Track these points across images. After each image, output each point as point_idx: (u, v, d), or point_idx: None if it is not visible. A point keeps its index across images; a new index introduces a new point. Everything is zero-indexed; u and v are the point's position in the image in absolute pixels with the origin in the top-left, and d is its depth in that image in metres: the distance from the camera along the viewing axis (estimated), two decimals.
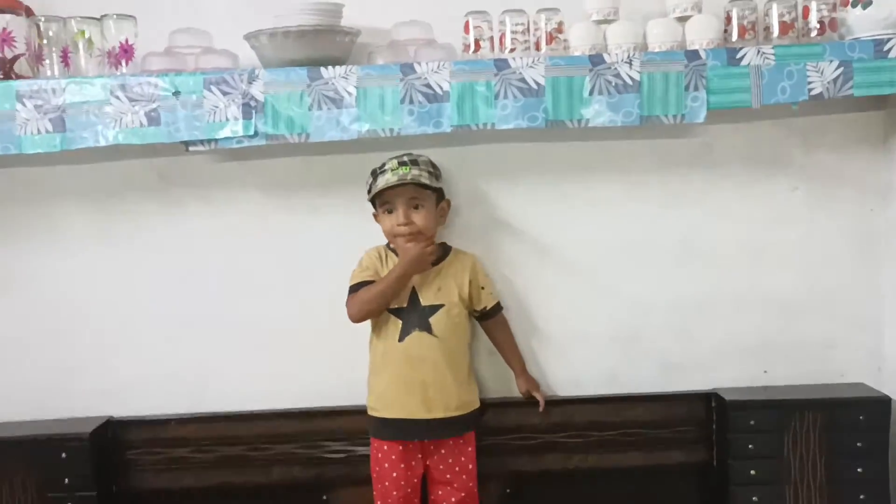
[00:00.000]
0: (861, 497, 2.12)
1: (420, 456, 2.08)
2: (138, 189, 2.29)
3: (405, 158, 2.07)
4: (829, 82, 2.01)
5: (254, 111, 2.04)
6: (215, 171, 2.29)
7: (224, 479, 2.25)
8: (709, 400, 2.24)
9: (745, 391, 2.23)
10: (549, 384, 2.29)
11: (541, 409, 2.20)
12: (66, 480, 2.13)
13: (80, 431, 2.15)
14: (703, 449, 2.24)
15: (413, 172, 2.03)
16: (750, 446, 2.14)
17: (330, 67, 2.05)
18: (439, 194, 2.13)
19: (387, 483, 2.06)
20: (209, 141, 2.07)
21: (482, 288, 2.14)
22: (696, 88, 2.03)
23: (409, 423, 2.03)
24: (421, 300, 2.07)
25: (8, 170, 2.26)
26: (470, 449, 2.10)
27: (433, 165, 2.10)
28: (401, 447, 2.06)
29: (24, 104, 2.04)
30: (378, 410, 2.07)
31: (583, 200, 2.28)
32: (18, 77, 2.10)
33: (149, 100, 2.04)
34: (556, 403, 2.25)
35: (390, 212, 2.08)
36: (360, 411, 2.22)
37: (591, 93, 2.03)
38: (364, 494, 2.24)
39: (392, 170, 2.04)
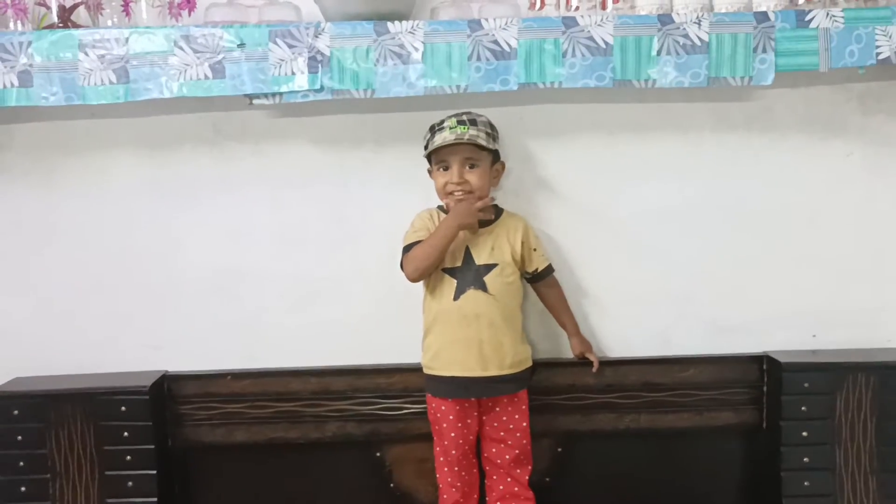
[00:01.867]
0: None
1: (476, 413, 2.10)
2: (192, 142, 2.27)
3: (464, 117, 2.06)
4: None
5: (320, 65, 2.03)
6: (270, 127, 2.27)
7: (278, 435, 2.26)
8: (761, 362, 2.25)
9: (795, 354, 2.25)
10: (600, 345, 2.30)
11: (594, 369, 2.22)
12: (125, 434, 2.14)
13: (140, 385, 2.14)
14: (754, 411, 2.26)
15: (471, 132, 2.02)
16: (803, 408, 2.16)
17: (396, 22, 2.02)
18: (495, 156, 2.13)
19: (446, 442, 2.08)
20: (274, 95, 2.05)
21: (534, 250, 2.15)
22: (764, 50, 2.03)
23: (466, 381, 2.05)
24: (475, 259, 2.07)
25: (59, 122, 2.23)
26: (524, 407, 2.12)
27: (491, 126, 2.09)
28: (458, 405, 2.07)
29: (86, 54, 2.01)
30: (434, 369, 2.09)
31: (638, 162, 2.28)
32: (76, 26, 2.07)
33: (213, 51, 2.02)
34: (608, 364, 2.26)
35: (445, 169, 2.07)
36: (413, 369, 2.24)
37: (659, 53, 2.02)
38: (416, 451, 2.28)
39: (451, 128, 2.03)
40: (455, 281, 2.07)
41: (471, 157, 2.06)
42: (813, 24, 2.02)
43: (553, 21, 2.02)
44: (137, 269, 2.30)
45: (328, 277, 2.31)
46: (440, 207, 2.15)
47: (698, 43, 2.02)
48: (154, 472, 2.15)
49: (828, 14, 2.01)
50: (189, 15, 2.07)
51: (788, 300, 2.31)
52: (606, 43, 2.02)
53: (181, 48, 2.01)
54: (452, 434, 2.08)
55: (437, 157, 2.09)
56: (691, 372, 2.26)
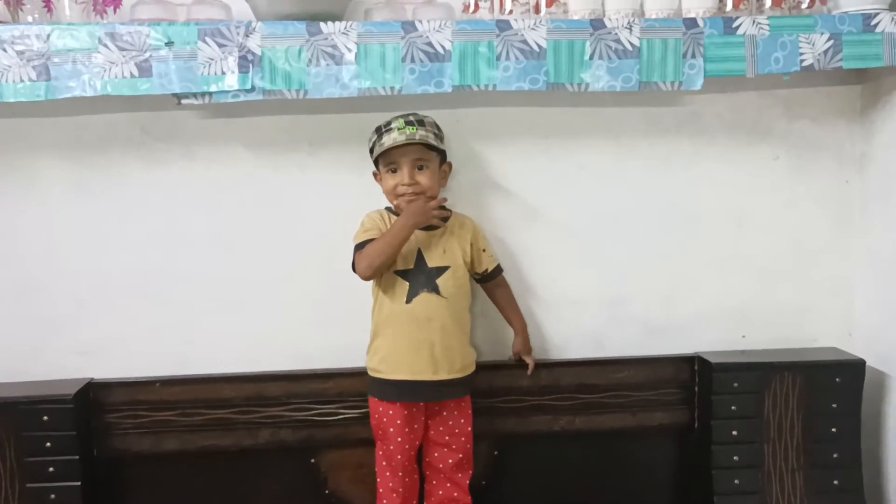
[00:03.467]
0: (835, 455, 2.21)
1: (422, 418, 2.08)
2: (121, 143, 2.21)
3: (411, 118, 2.04)
4: (819, 54, 2.07)
5: (251, 65, 1.99)
6: (200, 128, 2.23)
7: (210, 443, 2.21)
8: (692, 362, 2.29)
9: (726, 354, 2.29)
10: (536, 346, 2.31)
11: (529, 372, 2.23)
12: (48, 444, 2.06)
13: (63, 393, 2.07)
14: (686, 410, 2.30)
15: (420, 132, 2.01)
16: (732, 407, 2.20)
17: (329, 23, 2.00)
18: (442, 156, 2.12)
19: (391, 447, 2.05)
20: (203, 94, 2.00)
21: (483, 250, 2.15)
22: (693, 56, 2.06)
23: (416, 385, 2.02)
24: (427, 262, 2.05)
25: None
26: (469, 411, 2.11)
27: (437, 127, 2.08)
28: (405, 410, 2.05)
29: (4, 50, 1.94)
30: (382, 372, 2.06)
31: (573, 165, 2.30)
32: None
33: (139, 50, 1.96)
34: (544, 366, 2.27)
35: (394, 171, 2.05)
36: (348, 373, 2.23)
37: (591, 57, 2.04)
38: (352, 456, 2.26)
39: (399, 129, 2.01)
40: (407, 283, 2.05)
41: (420, 157, 2.05)
42: (740, 31, 2.06)
43: (487, 24, 2.03)
44: (62, 273, 2.23)
45: (261, 281, 2.27)
46: (388, 209, 2.13)
47: (630, 48, 2.04)
48: (78, 483, 2.07)
49: (754, 21, 2.06)
50: (115, 12, 2.02)
51: (718, 301, 2.36)
52: (540, 47, 2.03)
53: (106, 46, 1.95)
54: (399, 439, 2.05)
55: (385, 160, 2.06)
56: (625, 373, 2.28)
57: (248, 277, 2.26)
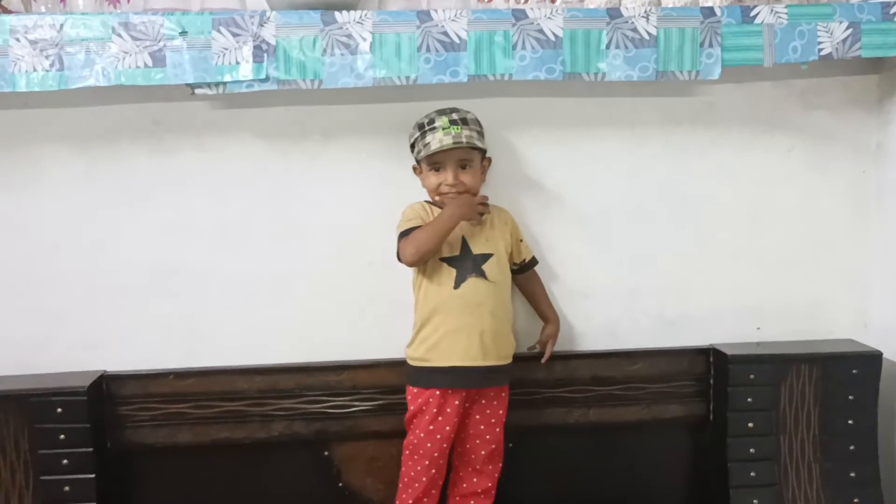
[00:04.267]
0: (851, 448, 2.19)
1: (462, 409, 2.05)
2: (132, 134, 2.19)
3: (455, 116, 2.03)
4: (838, 43, 2.05)
5: (265, 55, 1.97)
6: (212, 119, 2.20)
7: (223, 435, 2.20)
8: (707, 355, 2.28)
9: (741, 346, 2.27)
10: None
11: (543, 360, 2.22)
12: (62, 437, 2.05)
13: (77, 385, 2.06)
14: (702, 403, 2.29)
15: (465, 133, 1.99)
16: (748, 399, 2.19)
17: (344, 12, 1.99)
18: (483, 152, 2.11)
19: (427, 436, 2.02)
20: (217, 84, 1.99)
21: (520, 241, 2.16)
22: (710, 45, 2.05)
23: (466, 371, 2.01)
24: (472, 249, 2.05)
25: None
26: (506, 401, 2.11)
27: (479, 123, 2.07)
28: (450, 398, 2.02)
29: (17, 40, 1.92)
30: (430, 360, 2.03)
31: (587, 156, 2.28)
32: (7, 11, 1.98)
33: (153, 39, 1.95)
34: (558, 358, 2.26)
35: (437, 170, 2.05)
36: (362, 366, 2.23)
37: (608, 46, 2.03)
38: (365, 449, 2.25)
39: (444, 128, 1.99)
40: (454, 270, 2.04)
41: (465, 158, 2.04)
42: (758, 20, 2.05)
43: (503, 13, 2.01)
44: (73, 265, 2.21)
45: (272, 274, 2.25)
46: (428, 202, 2.12)
47: (646, 37, 2.03)
48: (92, 475, 2.06)
49: (772, 10, 2.04)
50: (128, 1, 2.00)
51: (733, 293, 2.34)
52: (556, 36, 2.01)
53: (119, 35, 1.94)
54: (439, 428, 2.02)
55: (429, 159, 2.05)
56: (640, 365, 2.27)
57: (258, 270, 2.25)
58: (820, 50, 2.06)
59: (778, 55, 2.05)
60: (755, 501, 2.18)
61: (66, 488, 2.06)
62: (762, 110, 2.30)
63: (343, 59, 1.99)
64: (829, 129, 2.31)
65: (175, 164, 2.21)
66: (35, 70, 1.94)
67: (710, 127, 2.29)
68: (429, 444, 2.03)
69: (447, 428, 2.02)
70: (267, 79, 1.99)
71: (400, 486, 2.09)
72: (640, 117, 2.27)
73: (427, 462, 2.03)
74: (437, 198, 2.08)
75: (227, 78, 1.98)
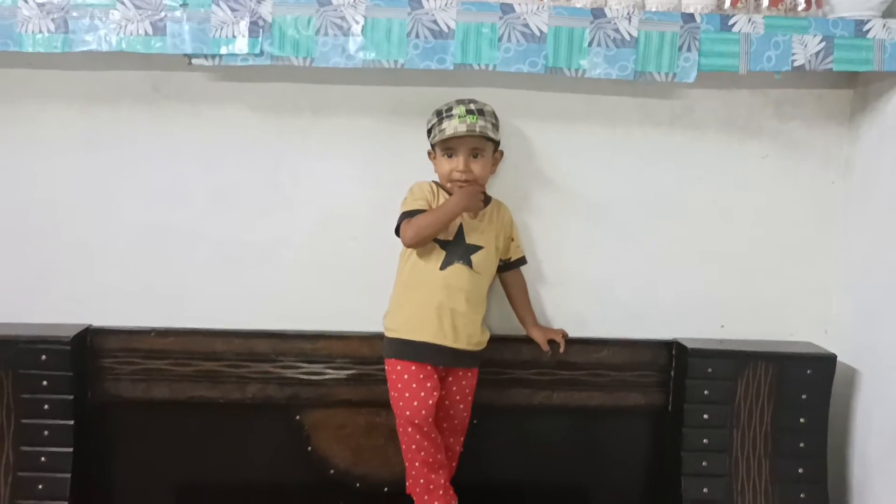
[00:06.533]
0: (801, 445, 2.28)
1: (439, 378, 2.14)
2: (131, 99, 2.29)
3: (472, 106, 2.12)
4: (811, 55, 2.13)
5: (261, 30, 2.06)
6: (209, 89, 2.30)
7: (199, 393, 2.29)
8: (670, 347, 2.36)
9: (703, 342, 2.36)
10: (517, 324, 2.38)
11: (562, 349, 2.31)
12: (45, 383, 2.14)
13: (62, 335, 2.15)
14: (662, 393, 2.37)
15: (480, 123, 2.08)
16: (705, 392, 2.28)
17: None
18: (496, 144, 2.20)
19: (416, 403, 2.09)
20: (213, 56, 2.08)
21: (512, 240, 2.25)
22: (688, 49, 2.13)
23: (436, 348, 2.10)
24: (466, 238, 2.14)
25: None
26: (474, 381, 2.20)
27: (495, 116, 2.16)
28: (424, 370, 2.11)
29: (26, 1, 2.02)
30: (403, 332, 2.12)
31: (566, 150, 2.36)
32: None
33: (155, 9, 2.04)
34: (525, 341, 2.34)
35: (450, 156, 2.13)
36: (336, 336, 2.32)
37: (590, 44, 2.11)
38: (335, 417, 2.35)
39: (460, 116, 2.08)
40: (444, 253, 2.13)
41: (477, 147, 2.13)
42: (735, 28, 2.13)
43: (491, 6, 2.10)
44: (66, 222, 2.31)
45: (258, 242, 2.35)
46: (436, 182, 2.20)
47: (627, 38, 2.11)
48: (71, 422, 2.16)
49: (750, 20, 2.13)
50: None
51: (700, 291, 2.43)
52: (541, 31, 2.09)
53: (123, 3, 2.03)
54: (422, 394, 2.09)
55: (443, 144, 2.14)
56: (605, 353, 2.36)
57: (245, 237, 2.34)
58: (793, 61, 2.14)
59: (753, 63, 2.14)
60: (705, 490, 2.27)
61: (46, 432, 2.16)
62: (739, 117, 2.38)
63: (335, 39, 2.08)
64: (802, 140, 2.40)
65: (171, 131, 2.31)
66: (41, 31, 2.03)
67: (687, 129, 2.38)
68: (423, 412, 2.09)
69: (424, 395, 2.09)
70: (261, 54, 2.07)
71: (407, 463, 2.15)
72: (620, 116, 2.36)
73: (426, 429, 2.10)
74: (448, 185, 2.16)
75: (224, 51, 2.07)
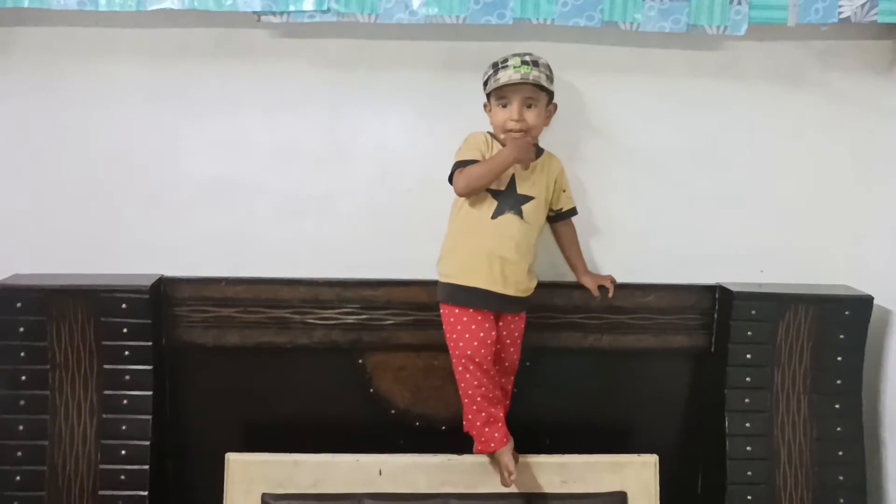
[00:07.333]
0: (838, 382, 2.40)
1: (489, 324, 2.23)
2: (194, 56, 2.35)
3: (527, 58, 2.16)
4: (857, 7, 2.20)
5: None
6: (269, 46, 2.36)
7: (267, 339, 2.39)
8: (714, 291, 2.47)
9: (745, 285, 2.46)
10: (567, 271, 2.48)
11: (610, 294, 2.41)
12: (125, 330, 2.25)
13: (140, 284, 2.26)
14: (705, 335, 2.47)
15: (534, 73, 2.13)
16: (749, 333, 2.39)
17: None
18: (550, 96, 2.25)
19: (475, 343, 2.18)
20: (281, 13, 2.14)
21: (563, 191, 2.33)
22: (738, 3, 2.20)
23: (487, 294, 2.19)
24: (517, 188, 2.21)
25: (63, 28, 2.30)
26: (522, 325, 2.29)
27: (550, 69, 2.20)
28: (479, 314, 2.20)
29: None
30: (457, 278, 2.20)
31: (615, 102, 2.43)
32: None
33: None
34: (575, 287, 2.44)
35: (504, 106, 2.19)
36: (396, 283, 2.41)
37: None
38: (395, 360, 2.46)
39: (514, 67, 2.13)
40: (496, 202, 2.20)
41: (531, 96, 2.18)
42: None
43: None
44: (135, 175, 2.40)
45: (318, 194, 2.44)
46: (491, 134, 2.26)
47: None
48: (151, 367, 2.27)
49: None
50: None
51: (741, 237, 2.51)
52: None
53: None
54: (481, 334, 2.18)
55: (497, 94, 2.19)
56: (651, 298, 2.46)
57: (305, 189, 2.43)
58: (840, 13, 2.21)
59: (801, 15, 2.21)
60: (747, 425, 2.40)
61: (127, 377, 2.27)
62: (782, 67, 2.45)
63: None
64: (843, 90, 2.46)
65: (232, 87, 2.38)
66: None
67: (733, 80, 2.44)
68: (482, 351, 2.18)
69: (483, 335, 2.19)
70: (328, 10, 2.14)
71: (466, 401, 2.23)
72: (668, 68, 2.43)
73: (485, 367, 2.19)
74: (501, 135, 2.22)
75: (292, 8, 2.13)
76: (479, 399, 2.21)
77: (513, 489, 2.26)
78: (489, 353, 2.21)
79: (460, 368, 2.22)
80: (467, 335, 2.20)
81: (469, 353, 2.19)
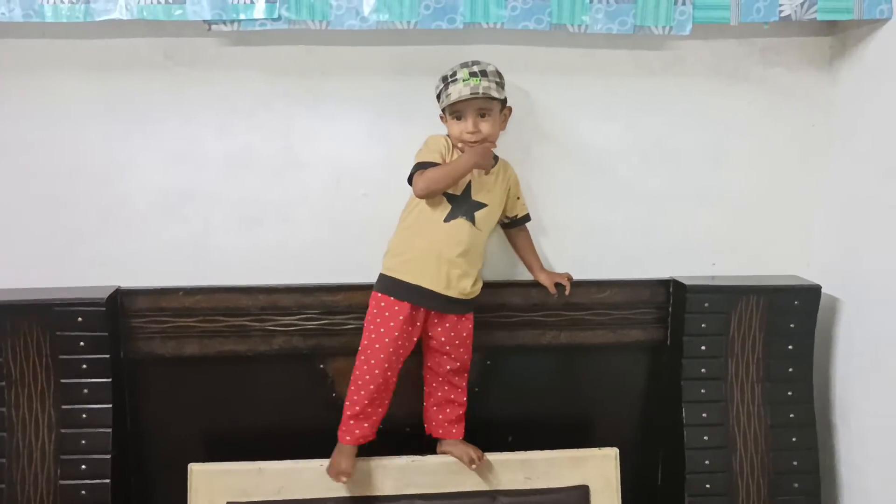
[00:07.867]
0: (790, 370, 2.47)
1: (420, 323, 2.25)
2: (144, 67, 2.34)
3: (475, 69, 2.18)
4: (797, 6, 2.27)
5: None
6: (220, 55, 2.36)
7: (227, 348, 2.39)
8: (668, 286, 2.52)
9: (697, 279, 2.52)
10: (524, 269, 2.51)
11: (567, 292, 2.44)
12: (82, 343, 2.23)
13: (97, 297, 2.24)
14: (660, 329, 2.53)
15: (483, 84, 2.15)
16: (702, 325, 2.45)
17: None
18: (504, 102, 2.27)
19: (386, 340, 2.20)
20: (232, 22, 2.14)
21: (517, 198, 2.37)
22: (683, 3, 2.25)
23: (429, 293, 2.21)
24: (472, 194, 2.24)
25: (8, 41, 2.28)
26: (470, 325, 2.31)
27: (499, 75, 2.22)
28: (410, 310, 2.21)
29: None
30: (400, 273, 2.22)
31: (564, 103, 2.47)
32: None
33: None
34: (533, 286, 2.48)
35: (459, 119, 2.21)
36: (356, 288, 2.41)
37: (592, 0, 2.22)
38: None
39: (464, 80, 2.15)
40: (450, 206, 2.22)
41: (483, 107, 2.20)
42: None
43: None
44: (88, 188, 2.38)
45: (274, 201, 2.44)
46: (449, 137, 2.28)
47: None
48: (109, 379, 2.25)
49: None
50: None
51: (692, 231, 2.58)
52: None
53: None
54: (396, 334, 2.19)
55: (451, 108, 2.21)
56: (607, 294, 2.51)
57: (262, 197, 2.43)
58: (780, 11, 2.28)
59: (743, 14, 2.27)
60: (704, 415, 2.45)
61: (85, 391, 2.25)
62: (727, 65, 2.51)
63: (350, 2, 2.16)
64: (786, 85, 2.54)
65: (184, 97, 2.37)
66: (63, 2, 2.07)
67: (679, 79, 2.50)
68: (391, 350, 2.20)
69: (405, 339, 2.21)
70: (279, 18, 2.15)
71: (352, 388, 2.24)
72: (615, 68, 2.48)
73: (386, 365, 2.20)
74: (459, 145, 2.24)
75: (242, 16, 2.13)
76: (363, 393, 2.23)
77: (479, 486, 2.30)
78: (399, 358, 2.23)
79: (363, 357, 2.23)
80: (385, 330, 2.21)
81: (378, 346, 2.21)
